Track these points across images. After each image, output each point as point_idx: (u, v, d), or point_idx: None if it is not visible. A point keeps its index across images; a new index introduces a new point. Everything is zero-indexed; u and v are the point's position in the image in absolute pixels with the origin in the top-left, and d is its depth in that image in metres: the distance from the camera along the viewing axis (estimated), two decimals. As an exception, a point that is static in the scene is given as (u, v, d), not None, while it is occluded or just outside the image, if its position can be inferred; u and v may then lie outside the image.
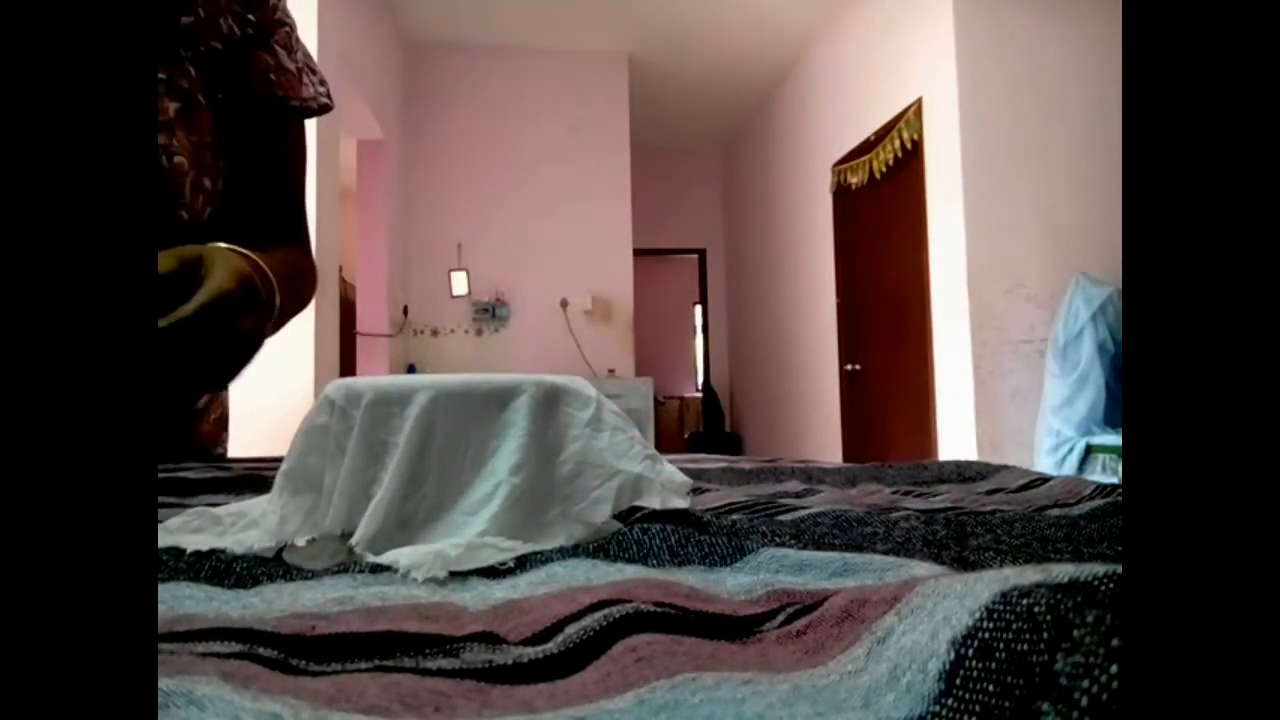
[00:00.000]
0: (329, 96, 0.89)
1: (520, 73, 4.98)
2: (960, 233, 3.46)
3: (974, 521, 0.46)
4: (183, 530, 0.41)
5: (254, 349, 0.62)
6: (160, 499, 0.53)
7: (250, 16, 0.81)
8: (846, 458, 4.46)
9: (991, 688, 0.17)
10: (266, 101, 0.83)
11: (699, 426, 7.23)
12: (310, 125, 0.91)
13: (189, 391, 0.68)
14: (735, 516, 0.48)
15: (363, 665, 0.23)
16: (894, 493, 0.62)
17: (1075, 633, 0.16)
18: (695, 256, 7.12)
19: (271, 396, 2.60)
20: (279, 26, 0.84)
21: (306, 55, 0.88)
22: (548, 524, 0.40)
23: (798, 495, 0.61)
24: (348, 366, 4.17)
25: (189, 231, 0.76)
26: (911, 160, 3.85)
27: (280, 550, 0.39)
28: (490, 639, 0.25)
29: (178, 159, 0.74)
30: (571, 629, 0.25)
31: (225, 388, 0.62)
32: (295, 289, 0.80)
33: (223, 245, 0.64)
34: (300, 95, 0.85)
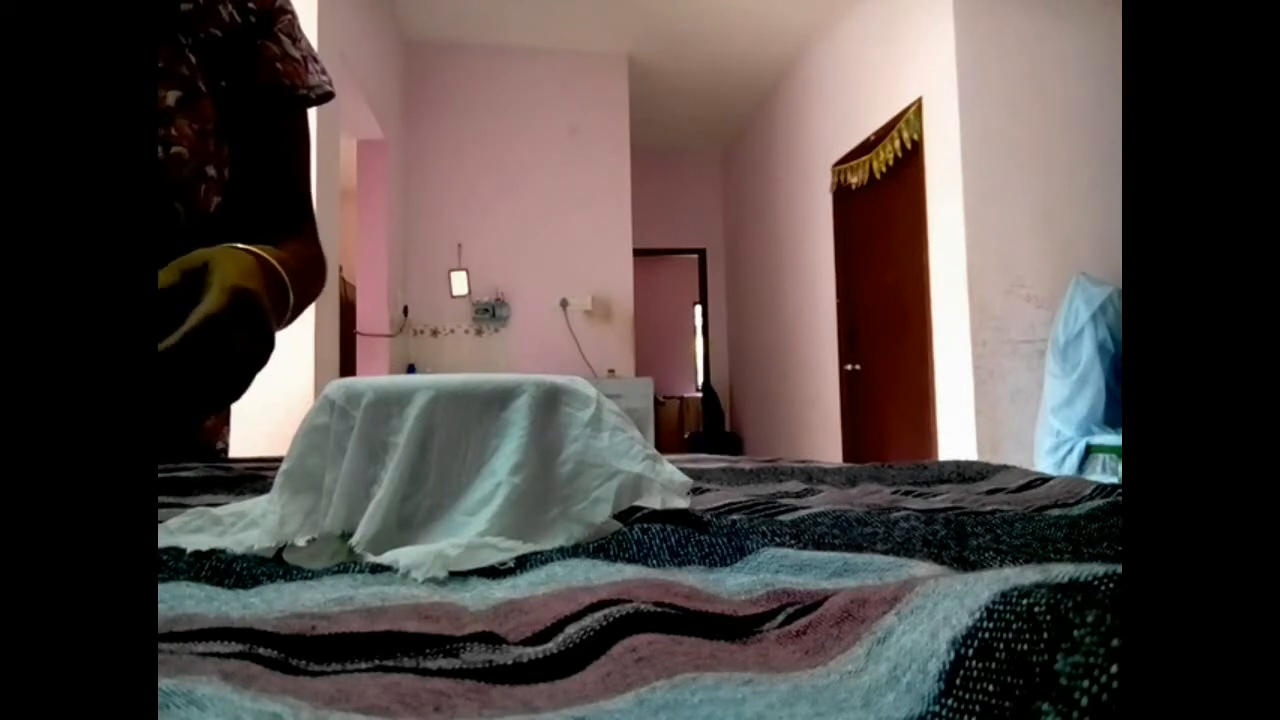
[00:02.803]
0: (330, 84, 0.89)
1: (520, 73, 4.97)
2: (960, 233, 3.45)
3: (974, 521, 0.46)
4: (183, 530, 0.41)
5: (256, 362, 0.60)
6: (160, 499, 0.53)
7: (251, 4, 0.81)
8: (846, 458, 4.46)
9: (991, 688, 0.17)
10: (273, 90, 0.83)
11: (699, 426, 7.23)
12: (310, 125, 0.91)
13: (188, 415, 0.67)
14: (735, 516, 0.48)
15: (363, 665, 0.23)
16: (894, 493, 0.62)
17: (1075, 633, 0.16)
18: (695, 256, 7.12)
19: (271, 396, 2.60)
20: (281, 15, 0.85)
21: (308, 43, 0.89)
22: (548, 524, 0.40)
23: (798, 495, 0.61)
24: (348, 366, 4.17)
25: (197, 225, 0.76)
26: (911, 160, 3.85)
27: (280, 550, 0.39)
28: (490, 639, 0.25)
29: (175, 149, 0.74)
30: (572, 629, 0.25)
31: (231, 404, 0.61)
32: (307, 284, 0.80)
33: (237, 246, 0.64)
34: (307, 83, 0.86)
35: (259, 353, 0.60)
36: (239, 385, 0.60)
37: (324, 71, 0.89)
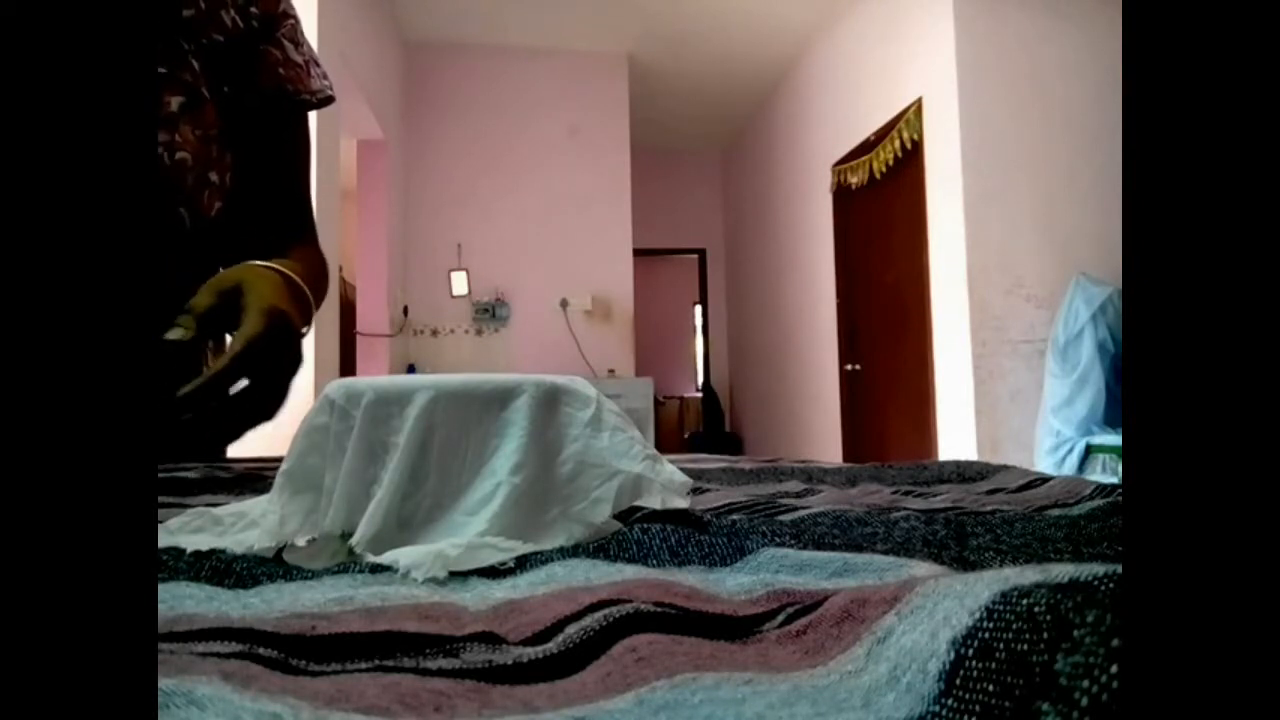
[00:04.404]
0: (331, 89, 0.90)
1: (520, 73, 4.97)
2: (960, 233, 3.45)
3: (974, 521, 0.46)
4: (183, 530, 0.41)
5: (292, 376, 0.64)
6: (160, 499, 0.53)
7: (253, 10, 0.81)
8: (846, 458, 4.46)
9: (991, 688, 0.17)
10: (275, 95, 0.84)
11: (699, 426, 7.23)
12: (310, 124, 0.91)
13: (234, 435, 0.71)
14: (735, 516, 0.48)
15: (363, 665, 0.23)
16: (894, 493, 0.62)
17: (1075, 633, 0.16)
18: (695, 256, 7.11)
19: (271, 396, 2.60)
20: (284, 19, 0.85)
21: (310, 47, 0.89)
22: (548, 524, 0.40)
23: (798, 495, 0.61)
24: (348, 366, 4.17)
25: (200, 231, 0.77)
26: (911, 160, 3.85)
27: (280, 550, 0.39)
28: (490, 639, 0.25)
29: (180, 155, 0.74)
30: (572, 629, 0.25)
31: (272, 418, 0.65)
32: (320, 293, 0.82)
33: (261, 265, 0.67)
34: (310, 88, 0.86)
35: (294, 368, 0.64)
36: (280, 400, 0.63)
37: (325, 76, 0.89)
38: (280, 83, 0.83)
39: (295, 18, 0.87)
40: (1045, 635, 0.17)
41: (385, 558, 0.35)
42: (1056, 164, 3.50)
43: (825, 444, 4.82)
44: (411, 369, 4.66)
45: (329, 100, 0.89)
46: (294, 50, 0.85)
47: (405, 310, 4.71)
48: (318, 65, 0.89)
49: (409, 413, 0.40)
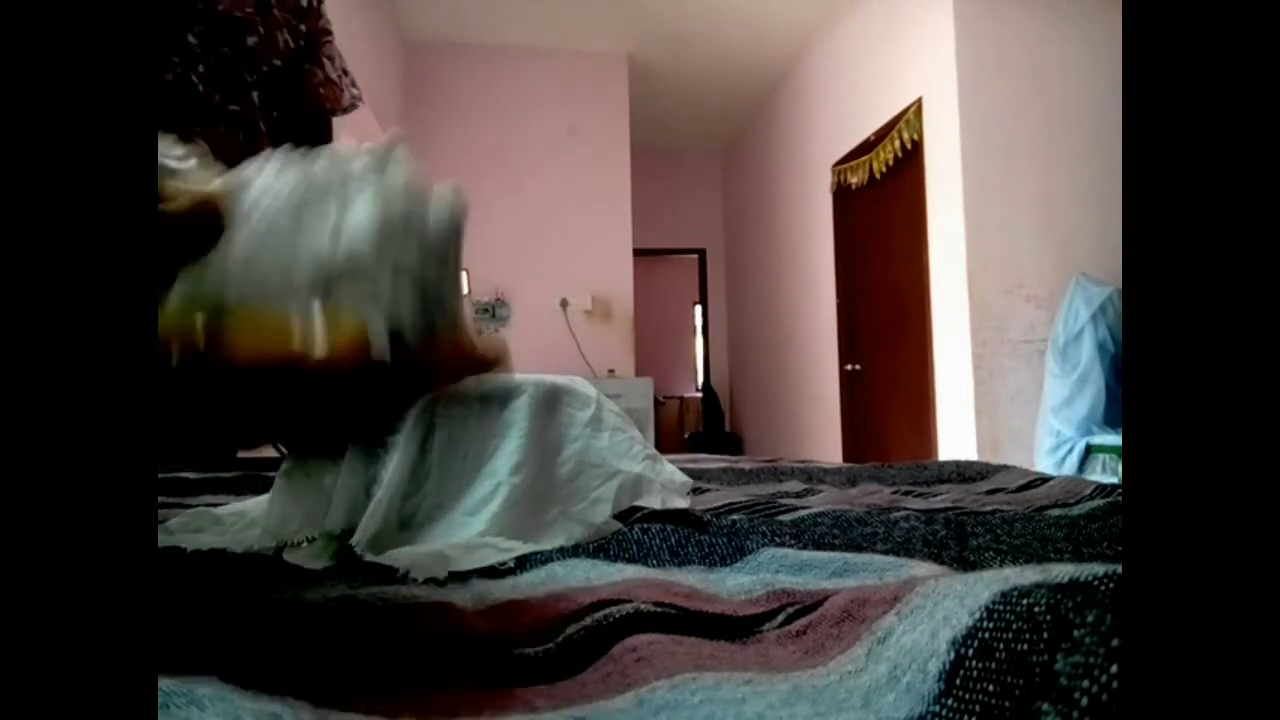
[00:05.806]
0: (360, 97, 0.93)
1: (520, 73, 4.97)
2: (960, 233, 3.45)
3: (974, 521, 0.46)
4: (183, 530, 0.41)
5: None
6: (160, 499, 0.53)
7: (301, 26, 0.84)
8: (846, 458, 4.45)
9: (991, 688, 0.17)
10: (314, 114, 0.87)
11: (699, 426, 7.22)
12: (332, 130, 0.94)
13: None
14: (735, 516, 0.48)
15: (364, 665, 0.23)
16: (894, 493, 0.62)
17: (1075, 633, 0.16)
18: (695, 256, 7.11)
19: (271, 396, 2.59)
20: (324, 34, 0.88)
21: (341, 58, 0.91)
22: (548, 524, 0.40)
23: (798, 495, 0.61)
24: (348, 366, 4.16)
25: None
26: (911, 160, 3.85)
27: (280, 550, 0.39)
28: (491, 639, 0.25)
29: None
30: (572, 629, 0.25)
31: None
32: None
33: None
34: (342, 104, 0.90)
35: None
36: None
37: (354, 84, 0.94)
38: (320, 102, 0.87)
39: (331, 31, 0.90)
40: (1045, 635, 0.17)
41: (385, 558, 0.35)
42: (1056, 164, 3.50)
43: (825, 444, 4.81)
44: (411, 369, 4.65)
45: (355, 108, 0.92)
46: (331, 67, 0.89)
47: (405, 310, 4.71)
48: (347, 74, 0.92)
49: (409, 413, 0.40)
